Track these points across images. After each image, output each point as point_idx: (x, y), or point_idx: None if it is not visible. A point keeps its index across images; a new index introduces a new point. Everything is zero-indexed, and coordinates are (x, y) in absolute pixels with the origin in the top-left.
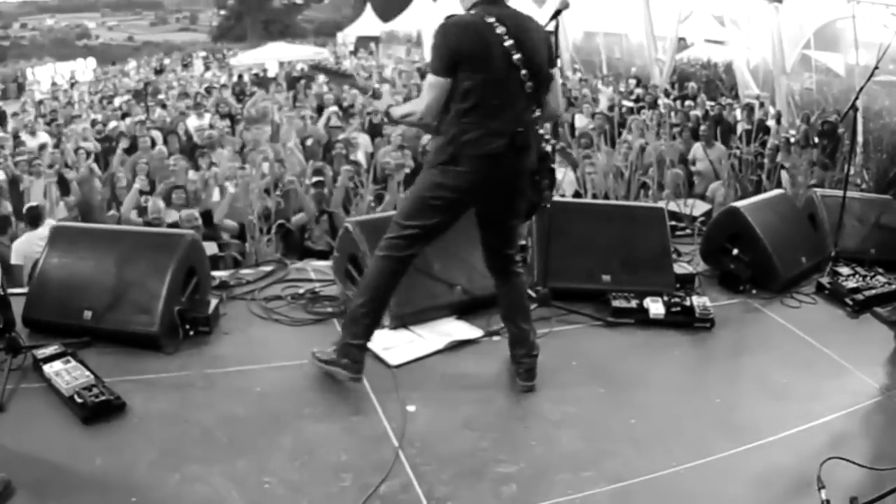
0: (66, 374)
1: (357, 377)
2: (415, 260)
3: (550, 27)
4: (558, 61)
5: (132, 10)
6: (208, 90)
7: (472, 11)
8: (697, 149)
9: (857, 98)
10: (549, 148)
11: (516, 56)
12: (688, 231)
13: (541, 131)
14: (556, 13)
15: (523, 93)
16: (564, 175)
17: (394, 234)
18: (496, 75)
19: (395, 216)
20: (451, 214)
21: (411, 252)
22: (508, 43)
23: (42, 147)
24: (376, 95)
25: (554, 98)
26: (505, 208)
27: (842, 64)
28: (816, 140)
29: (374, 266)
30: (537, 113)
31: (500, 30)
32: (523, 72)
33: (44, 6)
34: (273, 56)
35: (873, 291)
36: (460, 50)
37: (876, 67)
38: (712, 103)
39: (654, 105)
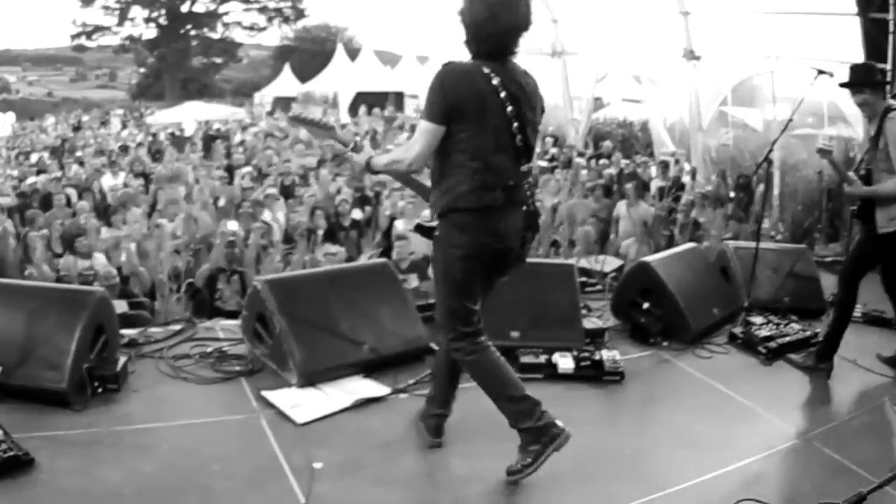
0: None
1: (566, 434)
2: (321, 318)
3: None
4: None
5: (53, 66)
6: (124, 148)
7: (473, 61)
8: (621, 207)
9: (770, 150)
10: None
11: (509, 108)
12: (599, 287)
13: (527, 184)
14: None
15: (514, 146)
16: None
17: (455, 336)
18: (491, 127)
19: (438, 313)
20: (479, 277)
21: (479, 333)
22: (503, 94)
23: None
24: (357, 149)
25: (533, 156)
26: (504, 267)
27: (760, 119)
28: (732, 194)
29: (470, 372)
30: (525, 167)
31: (496, 81)
32: (515, 125)
33: None
34: (190, 115)
35: (787, 339)
36: (457, 98)
37: (790, 120)
38: (627, 161)
39: (568, 164)
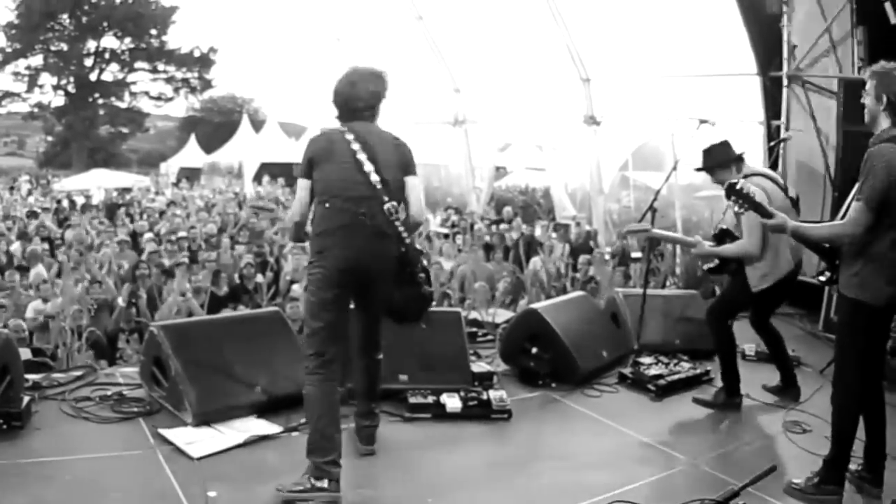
0: None
1: (337, 498)
2: (215, 361)
3: None
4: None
5: None
6: (32, 214)
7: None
8: (537, 262)
9: (654, 200)
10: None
11: (361, 156)
12: (490, 337)
13: (399, 226)
14: None
15: (370, 184)
16: None
17: (308, 353)
18: (339, 166)
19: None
20: (341, 293)
21: (328, 361)
22: (355, 146)
23: None
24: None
25: (414, 205)
26: (370, 285)
27: (662, 181)
28: (639, 254)
29: (304, 390)
30: (388, 205)
31: (349, 136)
32: (368, 167)
33: None
34: (96, 183)
35: (677, 376)
36: (312, 153)
37: (673, 169)
38: (526, 226)
39: (469, 230)
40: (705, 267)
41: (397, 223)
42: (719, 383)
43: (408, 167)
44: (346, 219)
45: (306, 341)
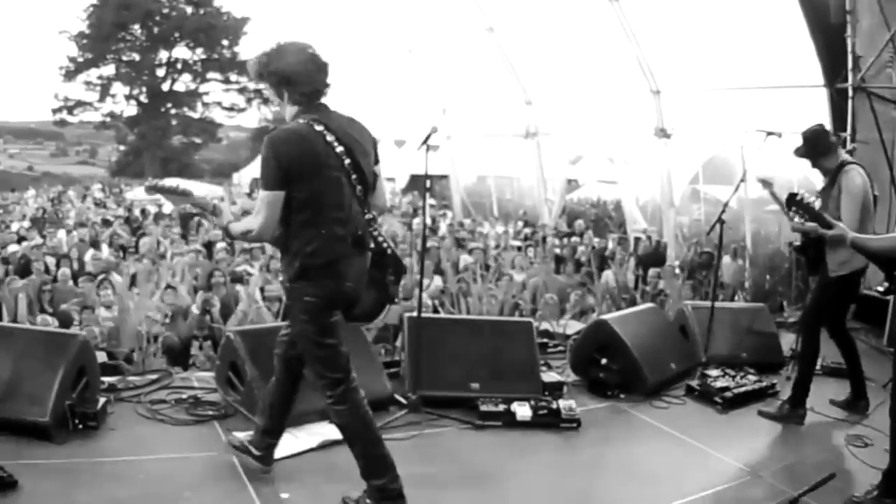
0: None
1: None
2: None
3: (422, 150)
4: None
5: (34, 140)
6: (106, 222)
7: (301, 120)
8: (609, 275)
9: (722, 212)
10: (385, 245)
11: (347, 161)
12: (560, 348)
13: (378, 237)
14: (427, 137)
15: (355, 197)
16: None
17: (324, 383)
18: (330, 183)
19: (308, 366)
20: (338, 322)
21: (347, 380)
22: (339, 149)
23: None
24: (216, 212)
25: (380, 195)
26: (353, 305)
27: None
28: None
29: (336, 419)
30: (370, 215)
31: (330, 137)
32: (353, 176)
33: None
34: None
35: (743, 389)
36: (290, 162)
37: (742, 180)
38: (598, 239)
39: (541, 242)
40: (796, 244)
41: (377, 234)
42: (784, 396)
43: (378, 156)
44: (341, 249)
45: (316, 369)
